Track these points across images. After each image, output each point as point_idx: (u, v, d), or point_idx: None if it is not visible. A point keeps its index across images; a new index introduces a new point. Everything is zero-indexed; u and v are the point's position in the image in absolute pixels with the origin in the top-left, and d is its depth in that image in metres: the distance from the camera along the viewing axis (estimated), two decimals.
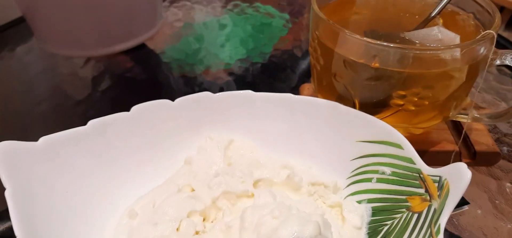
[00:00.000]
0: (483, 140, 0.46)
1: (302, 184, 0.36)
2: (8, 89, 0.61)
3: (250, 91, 0.39)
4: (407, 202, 0.31)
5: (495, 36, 0.35)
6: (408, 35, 0.39)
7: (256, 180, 0.36)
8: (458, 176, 0.26)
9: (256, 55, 0.67)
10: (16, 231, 0.25)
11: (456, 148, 0.44)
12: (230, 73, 0.63)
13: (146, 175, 0.36)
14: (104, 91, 0.59)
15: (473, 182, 0.44)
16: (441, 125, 0.47)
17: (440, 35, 0.39)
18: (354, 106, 0.40)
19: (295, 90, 0.54)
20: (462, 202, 0.40)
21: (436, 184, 0.28)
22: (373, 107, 0.39)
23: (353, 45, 0.37)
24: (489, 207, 0.41)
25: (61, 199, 0.31)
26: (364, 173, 0.35)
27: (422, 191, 0.29)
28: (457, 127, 0.47)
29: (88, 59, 0.66)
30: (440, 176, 0.27)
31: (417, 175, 0.30)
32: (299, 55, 0.67)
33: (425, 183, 0.29)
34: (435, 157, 0.44)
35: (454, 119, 0.42)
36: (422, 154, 0.44)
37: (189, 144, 0.38)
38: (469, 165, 0.45)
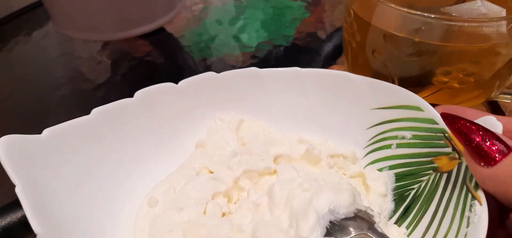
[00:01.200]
0: None
1: (322, 156, 0.35)
2: (26, 74, 0.60)
3: (255, 68, 0.37)
4: (433, 163, 0.30)
5: None
6: (450, 9, 0.37)
7: (275, 156, 0.35)
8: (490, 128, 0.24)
9: (278, 38, 0.65)
10: (35, 227, 0.23)
11: None
12: (253, 57, 0.61)
13: (157, 160, 0.35)
14: (123, 74, 0.58)
15: None
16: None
17: (483, 9, 0.37)
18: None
19: None
20: None
21: None
22: (413, 85, 0.37)
23: (394, 18, 0.35)
24: None
25: (74, 190, 0.29)
26: (382, 140, 0.34)
27: (449, 150, 0.28)
28: (495, 110, 0.45)
29: (106, 43, 0.64)
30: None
31: (442, 134, 0.29)
32: (323, 37, 0.65)
33: (452, 141, 0.28)
34: None
35: (496, 99, 0.40)
36: None
37: (198, 127, 0.37)
38: None
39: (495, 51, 0.34)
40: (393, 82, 0.37)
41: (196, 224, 0.28)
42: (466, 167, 0.26)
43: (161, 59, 0.62)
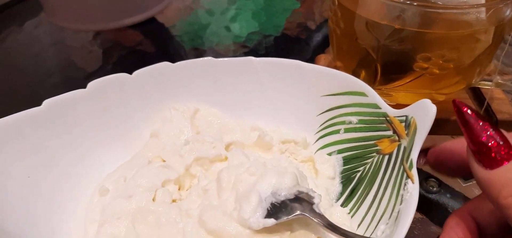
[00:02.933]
0: (505, 109, 0.45)
1: (273, 143, 0.36)
2: (18, 63, 0.60)
3: (210, 57, 0.38)
4: (377, 146, 0.31)
5: None
6: None
7: (227, 144, 0.36)
8: (424, 111, 0.26)
9: (268, 28, 0.66)
10: None
11: None
12: (243, 46, 0.62)
13: (112, 152, 0.35)
14: (115, 64, 0.58)
15: None
16: (462, 94, 0.46)
17: None
18: (376, 72, 0.39)
19: (310, 62, 0.52)
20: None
21: (403, 124, 0.28)
22: (396, 71, 0.38)
23: (376, 6, 0.35)
24: None
25: (23, 184, 0.29)
26: (331, 126, 0.36)
27: (390, 133, 0.30)
28: (478, 97, 0.46)
29: (97, 33, 0.65)
30: (406, 115, 0.28)
31: (384, 118, 0.31)
32: (313, 28, 0.66)
33: (392, 124, 0.30)
34: (455, 126, 0.43)
35: (477, 85, 0.41)
36: (443, 122, 0.43)
37: (153, 117, 0.37)
38: None
39: (475, 38, 0.35)
40: (376, 69, 0.38)
41: (144, 211, 0.29)
42: (404, 149, 0.27)
43: (152, 48, 0.62)
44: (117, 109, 0.35)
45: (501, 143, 0.19)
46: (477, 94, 0.47)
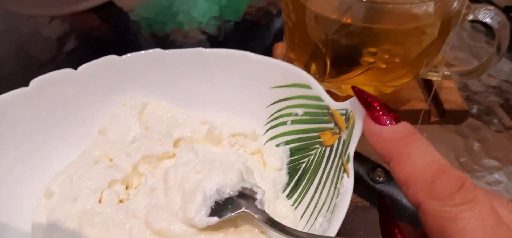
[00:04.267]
0: (452, 98, 0.46)
1: (223, 136, 0.36)
2: None
3: (158, 49, 0.37)
4: (320, 138, 0.32)
5: None
6: None
7: (176, 140, 0.36)
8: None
9: (229, 12, 0.65)
10: None
11: (426, 107, 0.44)
12: (203, 32, 0.61)
13: (59, 151, 0.34)
14: (70, 52, 0.56)
15: (439, 140, 0.44)
16: (412, 83, 0.47)
17: None
18: (325, 65, 0.39)
19: (269, 49, 0.52)
20: None
21: (344, 117, 0.29)
22: (344, 65, 0.39)
23: (325, 0, 0.36)
24: (455, 165, 0.42)
25: None
26: (279, 117, 0.36)
27: (331, 125, 0.31)
28: (428, 85, 0.48)
29: (53, 18, 0.63)
30: (346, 109, 0.29)
31: (326, 111, 0.32)
32: (274, 13, 0.66)
33: (334, 117, 0.31)
34: (405, 115, 0.45)
35: (424, 77, 0.42)
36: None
37: (101, 113, 0.37)
38: (437, 123, 0.47)
39: (421, 31, 0.36)
40: (325, 63, 0.39)
41: (91, 213, 0.29)
42: (343, 142, 0.29)
43: (110, 34, 0.61)
44: (63, 107, 0.35)
45: (389, 114, 0.24)
46: (426, 83, 0.48)
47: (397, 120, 0.24)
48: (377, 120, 0.24)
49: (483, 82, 0.53)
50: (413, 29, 0.36)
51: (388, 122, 0.24)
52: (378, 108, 0.24)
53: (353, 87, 0.27)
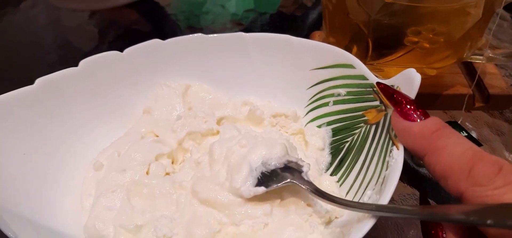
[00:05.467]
0: (497, 83, 0.45)
1: (264, 116, 0.37)
2: (13, 43, 0.61)
3: (200, 34, 0.38)
4: (364, 116, 0.32)
5: None
6: None
7: (219, 118, 0.37)
8: (409, 80, 0.27)
9: (264, 5, 0.66)
10: None
11: (470, 91, 0.43)
12: (238, 24, 0.62)
13: (105, 128, 0.36)
14: (111, 43, 0.58)
15: (486, 124, 0.43)
16: (455, 68, 0.46)
17: None
18: (367, 47, 0.39)
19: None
20: (475, 144, 0.40)
21: None
22: (387, 46, 0.38)
23: None
24: (501, 151, 0.40)
25: (19, 161, 0.29)
26: (321, 98, 0.36)
27: (377, 103, 0.31)
28: (471, 72, 0.47)
29: (93, 12, 0.65)
30: (392, 85, 0.28)
31: (371, 89, 0.31)
32: (309, 5, 0.66)
33: (379, 95, 0.30)
34: (448, 100, 0.44)
35: (468, 60, 0.42)
36: (435, 97, 0.44)
37: (146, 94, 0.38)
38: (482, 109, 0.45)
39: (465, 11, 0.36)
40: (367, 44, 0.38)
41: (138, 184, 0.30)
42: (390, 118, 0.28)
43: (148, 27, 0.63)
44: (109, 87, 0.36)
45: (417, 109, 0.24)
46: (469, 69, 0.47)
47: (425, 115, 0.24)
48: (406, 116, 0.24)
49: None
50: (457, 9, 0.35)
51: (417, 118, 0.24)
52: (405, 103, 0.25)
53: (378, 84, 0.27)
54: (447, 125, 0.23)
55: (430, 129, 0.23)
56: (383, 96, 0.29)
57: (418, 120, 0.24)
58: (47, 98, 0.32)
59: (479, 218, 0.18)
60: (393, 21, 0.36)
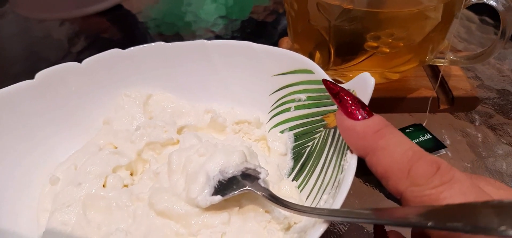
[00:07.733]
0: (461, 85, 0.46)
1: (226, 124, 0.37)
2: None
3: (161, 42, 0.38)
4: (323, 121, 0.32)
5: None
6: None
7: (180, 127, 0.36)
8: (364, 84, 0.27)
9: (236, 12, 0.66)
10: None
11: (434, 94, 0.43)
12: (210, 31, 0.62)
13: (65, 142, 0.35)
14: (79, 52, 0.58)
15: (451, 126, 0.44)
16: (419, 72, 0.47)
17: None
18: (329, 53, 0.39)
19: (276, 46, 0.53)
20: (439, 145, 0.40)
21: None
22: (348, 52, 0.39)
23: None
24: (467, 153, 0.41)
25: None
26: (283, 104, 0.37)
27: (335, 107, 0.30)
28: (435, 74, 0.47)
29: (63, 21, 0.64)
30: (349, 89, 0.28)
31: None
32: (280, 11, 0.66)
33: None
34: (413, 103, 0.44)
35: (431, 63, 0.42)
36: (400, 100, 0.44)
37: (106, 105, 0.37)
38: (447, 111, 0.46)
39: (424, 15, 0.36)
40: (329, 50, 0.39)
41: (95, 197, 0.29)
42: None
43: (118, 36, 0.62)
44: (68, 99, 0.35)
45: (361, 108, 0.24)
46: (434, 72, 0.48)
47: (369, 114, 0.24)
48: (350, 114, 0.24)
49: (494, 70, 0.52)
50: (415, 13, 0.36)
51: (360, 116, 0.24)
52: (350, 102, 0.24)
53: (324, 81, 0.27)
54: (389, 124, 0.23)
55: (372, 128, 0.23)
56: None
57: (360, 117, 0.23)
58: (4, 112, 0.32)
59: (420, 220, 0.18)
60: (352, 26, 0.36)
